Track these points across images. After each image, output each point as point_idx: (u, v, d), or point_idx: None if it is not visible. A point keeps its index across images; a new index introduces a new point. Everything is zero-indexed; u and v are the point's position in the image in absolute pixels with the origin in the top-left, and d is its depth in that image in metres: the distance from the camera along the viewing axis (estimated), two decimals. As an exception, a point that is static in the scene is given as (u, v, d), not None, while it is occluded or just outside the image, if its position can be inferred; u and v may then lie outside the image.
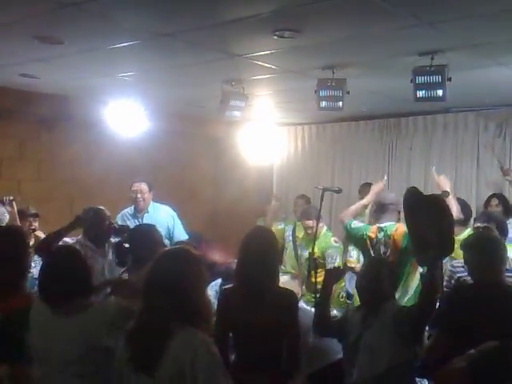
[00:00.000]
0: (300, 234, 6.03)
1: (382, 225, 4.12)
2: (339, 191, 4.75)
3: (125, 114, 5.78)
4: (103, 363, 2.32)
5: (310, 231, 5.08)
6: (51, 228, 4.86)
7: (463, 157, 6.69)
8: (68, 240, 4.13)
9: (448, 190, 4.15)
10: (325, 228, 5.34)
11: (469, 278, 3.45)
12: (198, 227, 5.93)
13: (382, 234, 4.07)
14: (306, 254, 5.24)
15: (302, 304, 3.62)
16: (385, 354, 2.77)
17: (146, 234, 3.59)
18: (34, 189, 6.13)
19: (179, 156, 7.29)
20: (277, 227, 6.24)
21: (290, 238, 6.15)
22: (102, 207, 4.20)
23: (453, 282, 3.69)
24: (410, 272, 3.95)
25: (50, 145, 6.28)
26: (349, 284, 5.22)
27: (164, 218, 5.22)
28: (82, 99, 6.03)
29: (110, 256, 4.08)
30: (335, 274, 3.24)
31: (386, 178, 4.69)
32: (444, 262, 3.94)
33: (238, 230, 6.74)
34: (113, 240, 4.13)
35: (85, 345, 2.38)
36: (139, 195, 5.24)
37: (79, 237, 4.20)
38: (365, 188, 6.84)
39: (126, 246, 3.65)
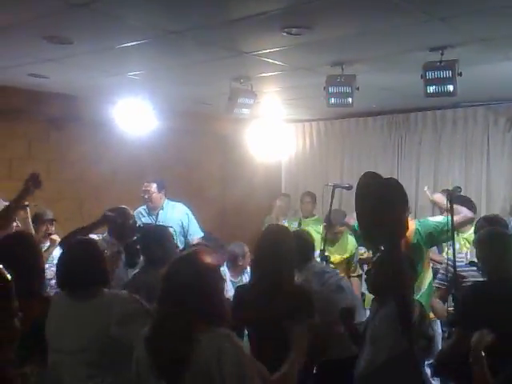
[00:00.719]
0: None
1: None
2: (350, 188, 4.73)
3: (133, 114, 5.79)
4: (112, 353, 2.38)
5: (340, 235, 5.12)
6: (61, 227, 4.88)
7: (473, 152, 6.65)
8: (94, 236, 4.20)
9: (444, 204, 4.14)
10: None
11: (467, 273, 3.47)
12: (206, 225, 5.93)
13: None
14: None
15: (345, 283, 3.64)
16: (385, 345, 2.77)
17: (158, 235, 3.60)
18: (43, 188, 6.06)
19: (187, 154, 7.29)
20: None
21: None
22: (124, 206, 4.25)
23: (449, 275, 3.66)
24: (423, 269, 3.95)
25: (59, 144, 6.29)
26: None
27: (178, 216, 5.32)
28: (91, 99, 6.04)
29: None
30: (349, 313, 3.12)
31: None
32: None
33: (247, 227, 6.85)
34: None
35: (93, 332, 2.43)
36: (147, 196, 5.37)
37: (105, 234, 4.25)
38: None
39: (137, 246, 3.66)
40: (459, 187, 3.93)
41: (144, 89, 5.55)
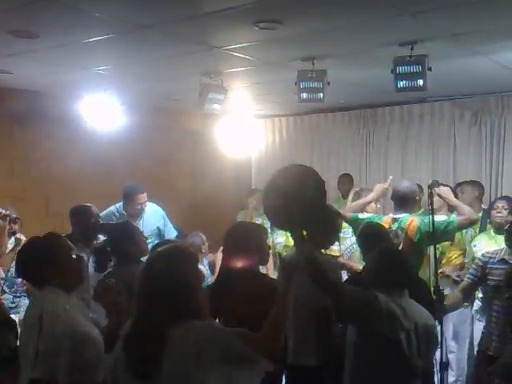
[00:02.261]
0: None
1: (397, 216, 4.09)
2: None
3: (100, 109, 5.67)
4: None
5: None
6: (26, 226, 4.75)
7: (440, 146, 6.77)
8: None
9: (451, 196, 4.16)
10: None
11: (497, 271, 3.46)
12: (176, 221, 5.87)
13: (396, 225, 4.03)
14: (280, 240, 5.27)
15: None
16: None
17: (129, 231, 3.54)
18: (7, 186, 5.98)
19: (156, 150, 7.20)
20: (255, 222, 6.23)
21: (269, 230, 6.14)
22: (89, 204, 4.17)
23: (479, 270, 3.58)
24: (421, 265, 3.90)
25: (24, 141, 6.12)
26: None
27: (155, 220, 5.20)
28: (57, 94, 5.90)
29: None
30: None
31: (391, 177, 4.58)
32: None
33: (217, 222, 6.80)
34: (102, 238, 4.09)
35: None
36: (144, 206, 5.08)
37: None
38: (343, 179, 6.88)
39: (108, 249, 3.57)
40: (437, 181, 3.92)
41: (112, 84, 5.44)
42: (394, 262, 2.77)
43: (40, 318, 2.25)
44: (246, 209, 6.93)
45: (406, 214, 4.07)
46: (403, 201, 4.12)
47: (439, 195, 4.12)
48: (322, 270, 2.65)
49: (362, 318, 2.66)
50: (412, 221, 3.99)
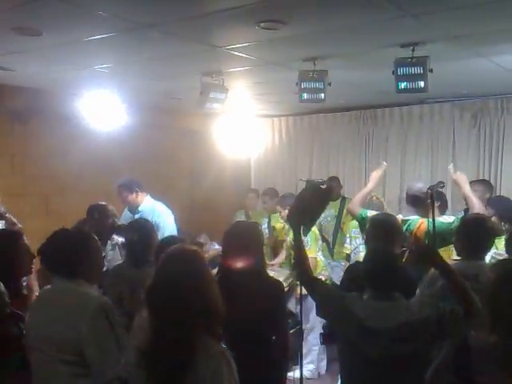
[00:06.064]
0: (277, 224, 6.04)
1: (407, 218, 4.02)
2: (323, 183, 4.74)
3: (101, 107, 5.67)
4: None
5: None
6: (25, 223, 4.75)
7: (439, 147, 6.80)
8: None
9: (466, 185, 4.08)
10: None
11: None
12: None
13: (405, 227, 3.92)
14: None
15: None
16: None
17: (140, 229, 3.55)
18: (7, 184, 5.96)
19: (156, 149, 7.20)
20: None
21: (267, 230, 6.16)
22: (104, 203, 4.20)
23: None
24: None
25: (24, 139, 6.12)
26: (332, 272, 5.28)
27: (149, 216, 5.16)
28: (58, 92, 5.90)
29: (110, 255, 4.05)
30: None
31: (385, 163, 4.64)
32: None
33: (215, 222, 6.81)
34: (120, 238, 4.10)
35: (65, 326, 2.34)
36: (121, 200, 5.24)
37: None
38: (330, 182, 6.84)
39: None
40: (442, 182, 3.89)
41: (112, 82, 5.44)
42: (382, 264, 2.71)
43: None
44: (245, 208, 6.95)
45: (417, 217, 4.00)
46: (414, 202, 4.07)
47: (455, 181, 4.13)
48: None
49: (331, 314, 2.73)
50: (421, 223, 3.90)
